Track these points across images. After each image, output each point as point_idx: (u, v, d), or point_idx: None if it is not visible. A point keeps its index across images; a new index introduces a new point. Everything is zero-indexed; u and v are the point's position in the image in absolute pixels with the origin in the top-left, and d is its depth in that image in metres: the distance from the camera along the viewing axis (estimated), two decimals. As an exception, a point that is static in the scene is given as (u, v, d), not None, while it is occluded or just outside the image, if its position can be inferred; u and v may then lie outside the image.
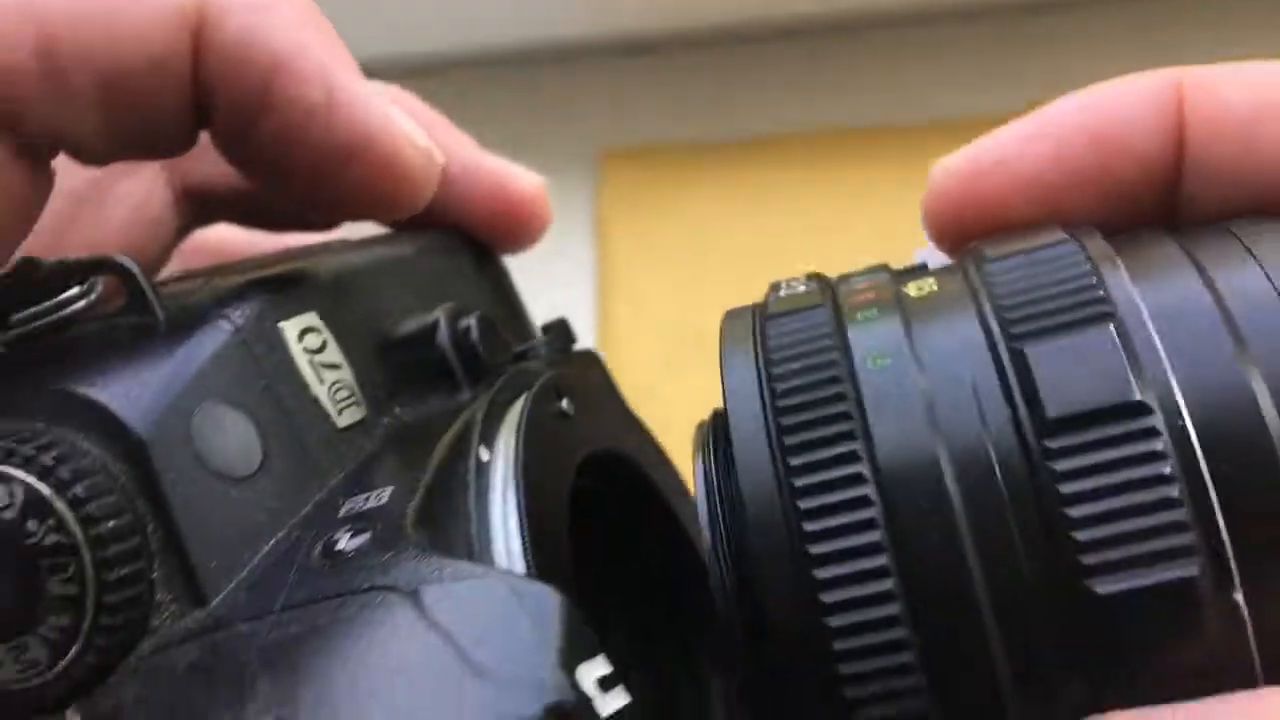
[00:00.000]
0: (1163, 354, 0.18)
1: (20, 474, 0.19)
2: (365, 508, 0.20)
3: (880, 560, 0.18)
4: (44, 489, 0.19)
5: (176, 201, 0.31)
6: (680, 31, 0.81)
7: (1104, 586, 0.17)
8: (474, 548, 0.20)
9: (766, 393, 0.20)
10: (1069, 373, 0.18)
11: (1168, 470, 0.17)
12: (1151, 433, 0.17)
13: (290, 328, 0.23)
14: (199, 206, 0.32)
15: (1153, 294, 0.19)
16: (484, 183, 0.33)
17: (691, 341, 0.70)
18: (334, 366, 0.23)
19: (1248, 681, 0.18)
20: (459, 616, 0.17)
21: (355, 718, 0.16)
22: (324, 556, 0.20)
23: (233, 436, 0.21)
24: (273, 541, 0.20)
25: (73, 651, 0.19)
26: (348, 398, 0.23)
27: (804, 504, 0.19)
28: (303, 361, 0.23)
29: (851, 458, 0.19)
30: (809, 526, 0.18)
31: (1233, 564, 0.17)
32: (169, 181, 0.31)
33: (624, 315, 0.73)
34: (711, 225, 0.78)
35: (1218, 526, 0.17)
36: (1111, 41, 0.75)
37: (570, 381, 0.27)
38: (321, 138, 0.23)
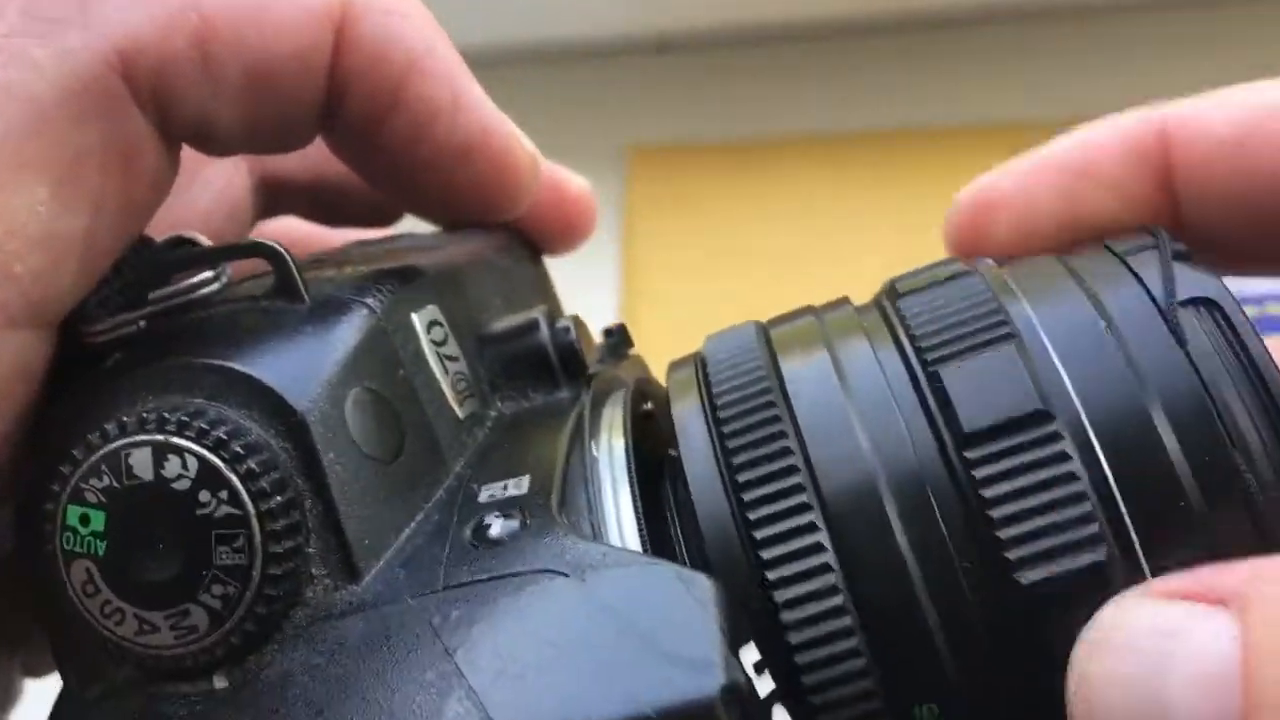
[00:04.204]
0: (1059, 366, 0.20)
1: (194, 446, 0.19)
2: (507, 495, 0.21)
3: (830, 579, 0.20)
4: (217, 461, 0.19)
5: (254, 190, 0.32)
6: (709, 30, 0.82)
7: (1027, 576, 0.19)
8: (595, 535, 0.22)
9: (715, 436, 0.22)
10: (979, 390, 0.20)
11: (1073, 469, 0.19)
12: (1055, 436, 0.20)
13: (420, 319, 0.24)
14: (272, 197, 0.32)
15: (1046, 313, 0.21)
16: (541, 184, 0.34)
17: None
18: (454, 359, 0.24)
19: None
20: (628, 599, 0.18)
21: (542, 688, 0.17)
22: (475, 538, 0.21)
23: (378, 420, 0.22)
24: (414, 523, 0.21)
25: (232, 620, 0.20)
26: (465, 389, 0.24)
27: (758, 534, 0.20)
28: (430, 353, 0.24)
29: (798, 489, 0.21)
30: (765, 554, 0.20)
31: (1138, 546, 0.19)
32: (250, 170, 0.31)
33: (648, 313, 0.74)
34: (738, 224, 0.79)
35: (1121, 514, 0.19)
36: (1135, 49, 0.78)
37: (650, 385, 0.28)
38: (445, 137, 0.24)
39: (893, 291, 0.23)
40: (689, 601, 0.18)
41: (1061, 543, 0.19)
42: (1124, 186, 0.25)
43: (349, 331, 0.22)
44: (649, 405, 0.27)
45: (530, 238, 0.35)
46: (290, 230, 0.34)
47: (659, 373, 0.35)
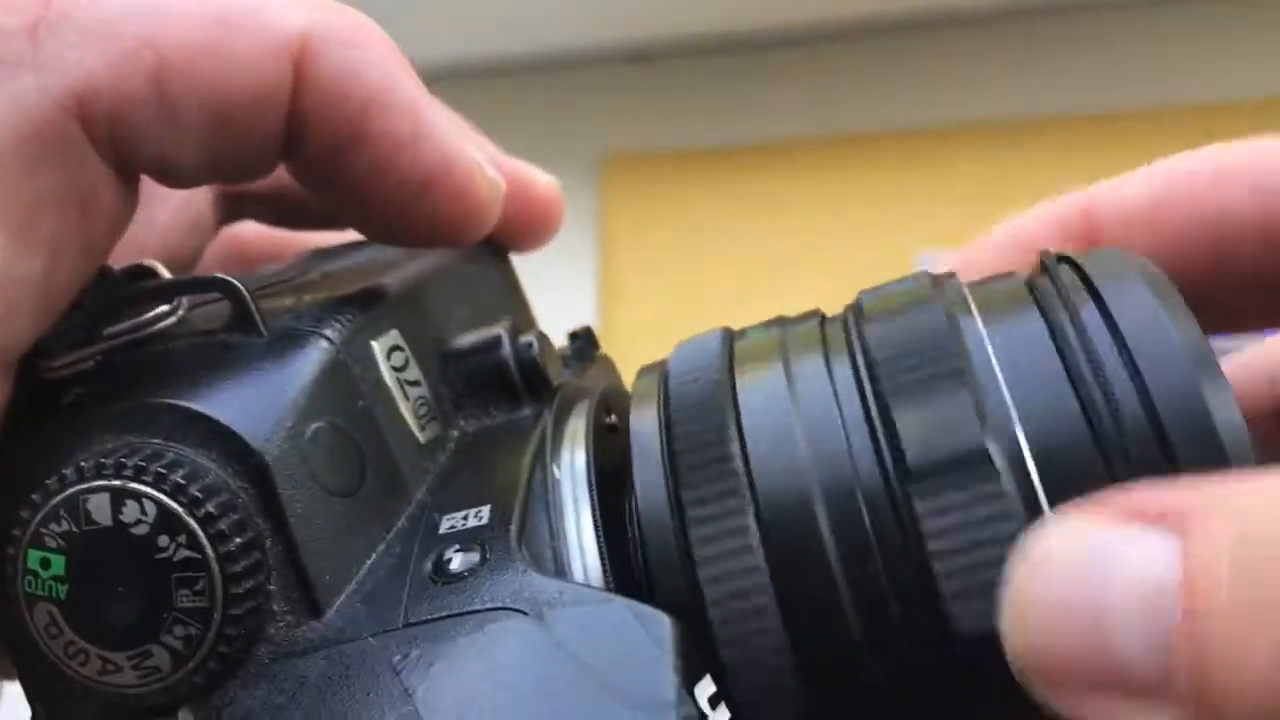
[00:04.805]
0: (1009, 402, 0.21)
1: (152, 491, 0.20)
2: (468, 526, 0.22)
3: (763, 599, 0.20)
4: (175, 506, 0.20)
5: (215, 202, 0.31)
6: (682, 39, 0.82)
7: (958, 611, 0.20)
8: (556, 564, 0.22)
9: (665, 446, 0.22)
10: (926, 425, 0.21)
11: (1009, 507, 0.20)
12: (993, 476, 0.20)
13: (379, 347, 0.24)
14: (233, 205, 0.32)
15: (1001, 340, 0.21)
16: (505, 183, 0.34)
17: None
18: (415, 384, 0.24)
19: None
20: (586, 639, 0.19)
21: None
22: (436, 573, 0.21)
23: (339, 454, 0.22)
24: (375, 554, 0.22)
25: (194, 660, 0.20)
26: (427, 413, 0.24)
27: (697, 553, 0.21)
28: (391, 380, 0.24)
29: (738, 511, 0.21)
30: (701, 574, 0.21)
31: None
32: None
33: (625, 319, 0.74)
34: (713, 230, 0.80)
35: None
36: (1101, 49, 0.78)
37: (613, 395, 0.28)
38: (407, 170, 0.24)
39: (859, 310, 0.24)
40: (645, 641, 0.19)
41: (992, 580, 0.19)
42: None
43: (307, 365, 0.22)
44: (613, 417, 0.27)
45: (496, 238, 0.35)
46: (252, 234, 0.34)
47: (630, 373, 0.35)
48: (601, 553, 0.22)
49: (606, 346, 0.33)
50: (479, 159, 0.25)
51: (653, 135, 0.82)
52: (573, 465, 0.24)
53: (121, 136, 0.21)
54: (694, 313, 0.74)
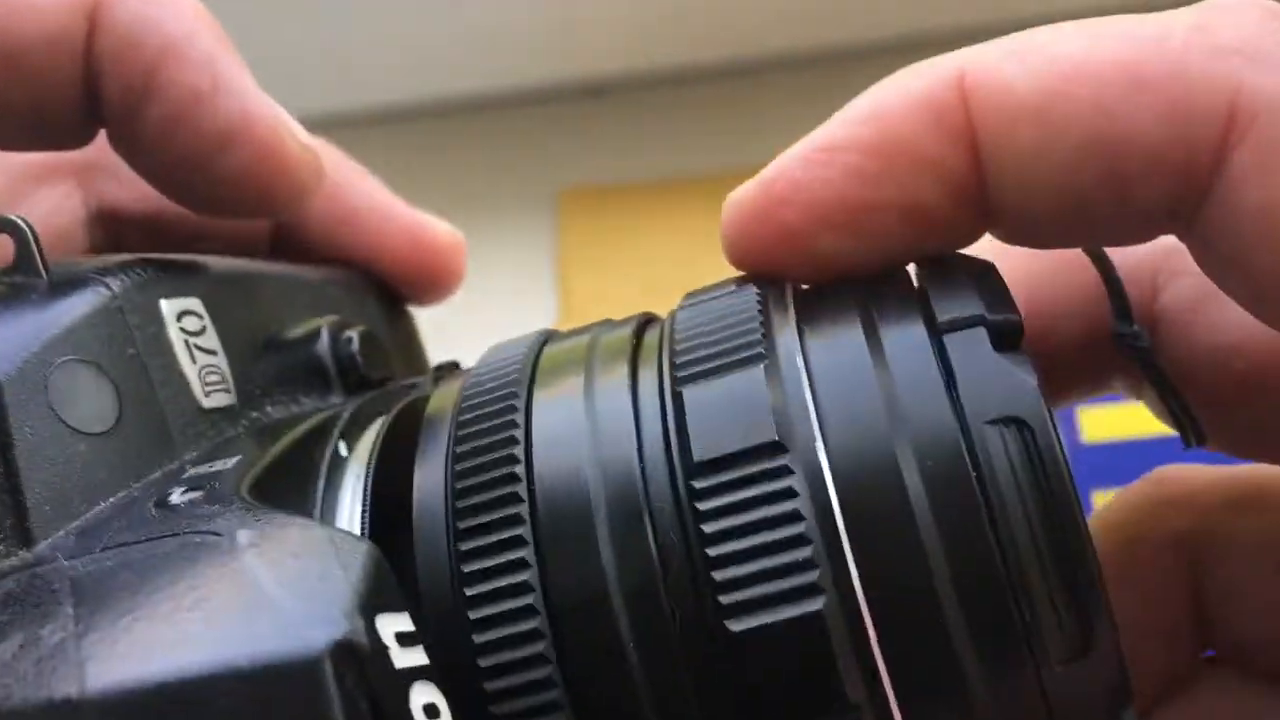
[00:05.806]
0: (808, 395, 0.19)
1: None
2: (206, 471, 0.21)
3: (528, 599, 0.19)
4: None
5: (89, 221, 0.32)
6: (634, 73, 0.83)
7: (738, 625, 0.18)
8: None
9: (450, 450, 0.21)
10: (716, 415, 0.19)
11: (798, 507, 0.18)
12: (785, 471, 0.18)
13: (170, 306, 0.23)
14: (111, 230, 0.32)
15: (813, 337, 0.20)
16: (399, 229, 0.34)
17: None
18: (209, 352, 0.24)
19: (884, 714, 0.18)
20: (272, 558, 0.17)
21: (141, 640, 0.16)
22: (156, 508, 0.20)
23: (89, 394, 0.21)
24: (113, 499, 0.21)
25: None
26: (218, 383, 0.24)
27: (466, 567, 0.19)
28: (177, 339, 0.23)
29: (516, 520, 0.19)
30: (466, 568, 0.19)
31: (862, 601, 0.18)
32: (83, 201, 0.31)
33: None
34: (672, 263, 0.79)
35: (846, 559, 0.18)
36: None
37: None
38: (205, 123, 0.24)
39: (681, 302, 0.23)
40: (331, 563, 0.17)
41: (777, 590, 0.18)
42: (932, 162, 0.20)
43: (75, 305, 0.22)
44: None
45: (390, 286, 0.34)
46: None
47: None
48: (363, 530, 0.21)
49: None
50: (287, 120, 0.25)
51: (608, 170, 0.82)
52: (364, 449, 0.23)
53: None
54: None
